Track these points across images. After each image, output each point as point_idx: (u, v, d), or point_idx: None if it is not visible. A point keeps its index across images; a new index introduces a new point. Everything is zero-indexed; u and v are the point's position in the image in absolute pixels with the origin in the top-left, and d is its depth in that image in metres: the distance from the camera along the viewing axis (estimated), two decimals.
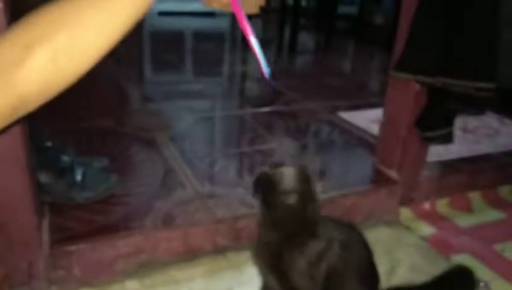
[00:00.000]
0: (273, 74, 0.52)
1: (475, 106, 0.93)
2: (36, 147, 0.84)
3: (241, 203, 0.90)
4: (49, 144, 0.87)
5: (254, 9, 0.57)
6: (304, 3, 3.34)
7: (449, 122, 0.96)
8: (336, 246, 0.58)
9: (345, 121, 1.43)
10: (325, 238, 0.58)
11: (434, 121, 0.95)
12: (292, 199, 0.52)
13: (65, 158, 0.86)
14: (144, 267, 0.80)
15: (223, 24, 3.77)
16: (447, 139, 0.98)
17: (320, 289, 0.57)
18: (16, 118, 0.37)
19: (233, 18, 3.69)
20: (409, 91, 0.96)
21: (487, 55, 0.86)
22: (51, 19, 0.36)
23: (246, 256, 0.86)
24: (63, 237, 0.77)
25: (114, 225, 0.82)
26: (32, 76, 0.34)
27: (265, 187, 0.52)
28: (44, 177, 0.83)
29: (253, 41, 0.48)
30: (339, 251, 0.58)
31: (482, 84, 0.85)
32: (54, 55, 0.35)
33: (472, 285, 0.76)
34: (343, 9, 3.46)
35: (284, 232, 0.57)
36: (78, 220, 0.82)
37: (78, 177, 0.85)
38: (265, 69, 0.48)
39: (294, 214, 0.54)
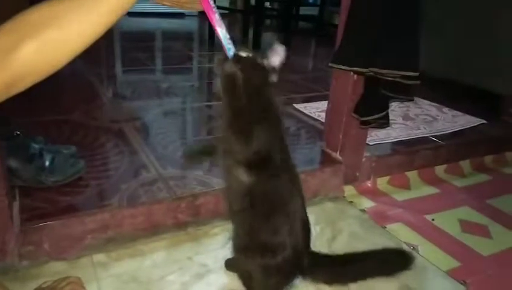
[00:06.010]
0: None
1: (404, 92, 1.05)
2: (6, 136, 0.90)
3: (200, 183, 1.00)
4: (18, 132, 0.94)
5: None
6: (267, 4, 3.47)
7: (383, 108, 1.09)
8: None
9: (299, 111, 1.56)
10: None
11: (370, 107, 1.08)
12: None
13: (34, 145, 0.93)
14: (111, 241, 0.88)
15: (191, 24, 3.84)
16: (383, 123, 1.11)
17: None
18: (9, 95, 0.46)
19: (201, 18, 3.77)
20: (347, 81, 1.09)
21: (411, 48, 0.99)
22: (42, 16, 0.46)
23: (204, 230, 0.95)
24: (32, 215, 0.83)
25: (82, 205, 0.89)
26: (22, 61, 0.44)
27: None
28: (14, 163, 0.89)
29: (220, 32, 0.64)
30: None
31: (408, 73, 0.98)
32: (40, 47, 0.45)
33: (406, 262, 0.76)
34: (305, 10, 3.63)
35: None
36: (48, 201, 0.89)
37: (47, 163, 0.92)
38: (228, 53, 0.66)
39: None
